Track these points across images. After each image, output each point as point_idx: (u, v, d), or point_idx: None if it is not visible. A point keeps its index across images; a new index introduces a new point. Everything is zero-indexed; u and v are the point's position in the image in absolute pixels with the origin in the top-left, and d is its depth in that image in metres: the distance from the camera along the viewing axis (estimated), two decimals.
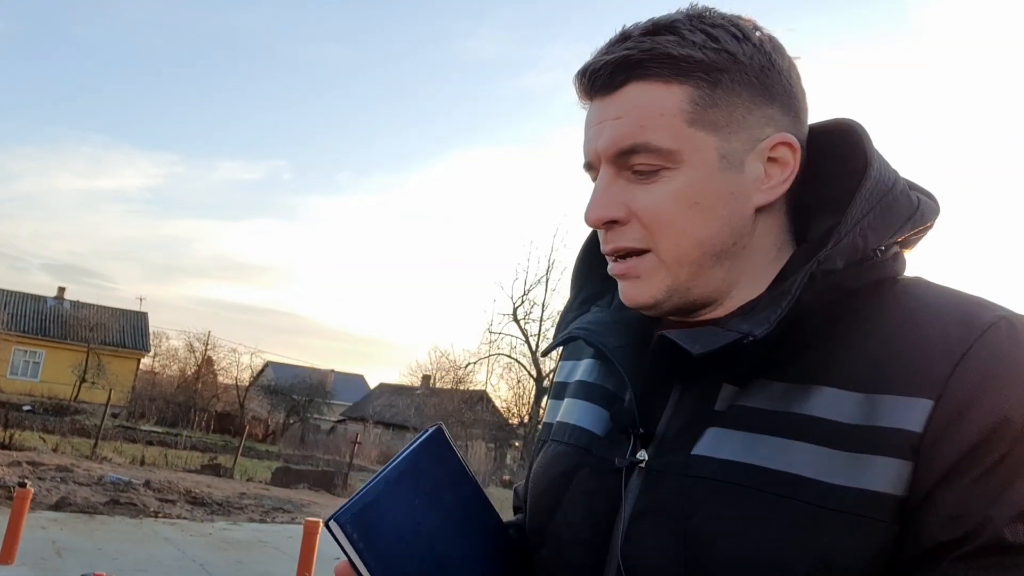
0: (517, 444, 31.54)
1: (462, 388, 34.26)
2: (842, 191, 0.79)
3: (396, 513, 0.78)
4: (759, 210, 0.79)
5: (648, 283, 0.79)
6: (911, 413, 0.66)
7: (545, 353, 0.99)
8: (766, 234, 0.81)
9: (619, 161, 0.78)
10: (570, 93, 0.84)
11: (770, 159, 0.78)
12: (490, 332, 29.44)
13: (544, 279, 30.60)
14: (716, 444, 0.74)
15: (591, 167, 0.82)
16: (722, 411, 0.76)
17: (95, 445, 17.20)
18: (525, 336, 29.88)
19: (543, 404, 30.64)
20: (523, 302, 29.82)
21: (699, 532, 0.71)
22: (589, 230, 0.97)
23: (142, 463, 17.20)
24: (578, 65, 0.82)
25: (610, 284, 0.96)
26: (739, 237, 0.78)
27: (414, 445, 0.83)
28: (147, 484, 13.35)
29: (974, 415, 0.65)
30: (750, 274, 0.80)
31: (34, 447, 16.33)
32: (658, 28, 0.77)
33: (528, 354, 30.03)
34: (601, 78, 0.78)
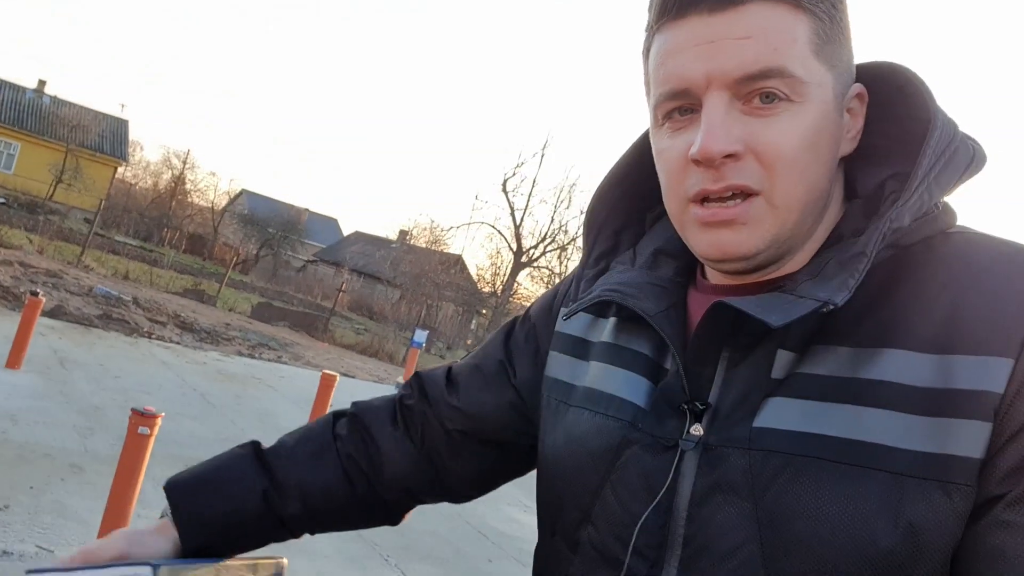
0: (485, 312, 32.04)
1: (438, 249, 34.41)
2: (884, 140, 0.77)
3: None
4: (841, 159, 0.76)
5: (754, 231, 0.72)
6: (991, 373, 0.64)
7: (570, 315, 0.89)
8: (834, 185, 0.77)
9: (741, 87, 0.70)
10: None
11: (848, 109, 0.75)
12: (477, 199, 29.36)
13: (540, 155, 30.42)
14: (780, 415, 0.70)
15: (684, 95, 0.72)
16: (781, 379, 0.71)
17: (82, 253, 17.07)
18: (511, 209, 29.90)
19: (518, 279, 31.02)
20: (514, 174, 29.68)
21: (774, 510, 0.67)
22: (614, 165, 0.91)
23: (126, 277, 17.20)
24: None
25: (624, 238, 0.93)
26: (830, 186, 0.75)
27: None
28: (135, 301, 13.41)
29: None
30: (818, 228, 0.76)
31: (20, 246, 16.19)
32: None
33: (511, 227, 30.13)
34: None
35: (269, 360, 12.42)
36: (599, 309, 0.90)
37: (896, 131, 0.77)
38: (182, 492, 0.97)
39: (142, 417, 3.67)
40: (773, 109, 0.70)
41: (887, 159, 0.77)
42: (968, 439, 0.64)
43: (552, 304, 0.99)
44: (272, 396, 9.47)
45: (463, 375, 1.05)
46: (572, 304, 0.91)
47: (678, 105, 0.73)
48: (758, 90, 0.70)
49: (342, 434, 1.04)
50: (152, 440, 3.74)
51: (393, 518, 1.07)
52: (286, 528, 1.00)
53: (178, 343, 11.52)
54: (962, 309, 0.67)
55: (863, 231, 0.73)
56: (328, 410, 7.32)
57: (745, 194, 0.71)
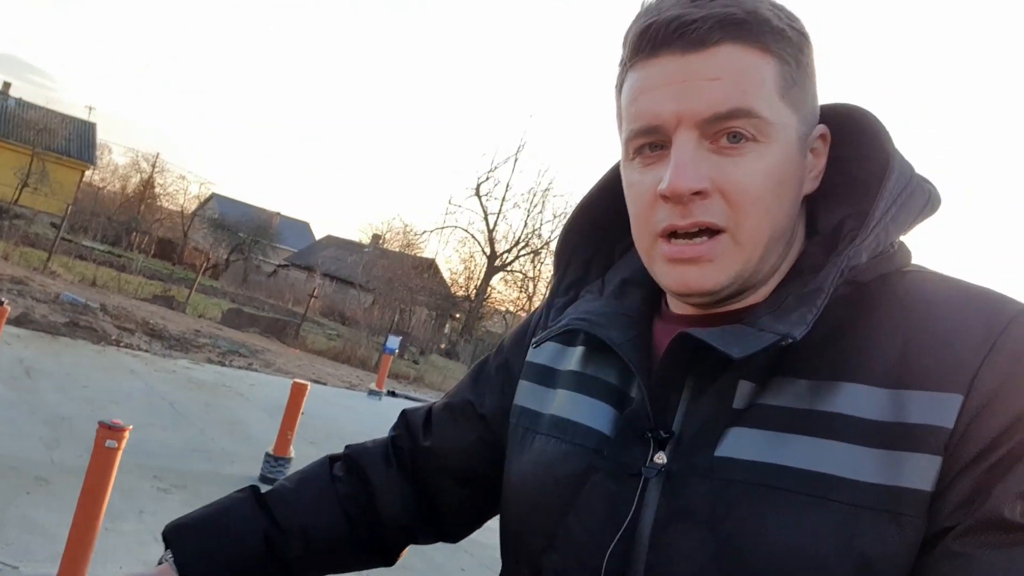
0: (458, 316, 31.98)
1: (411, 253, 34.30)
2: (845, 179, 0.80)
3: None
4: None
5: (719, 268, 0.74)
6: (942, 409, 0.66)
7: (540, 343, 0.91)
8: (797, 223, 0.80)
9: (709, 127, 0.72)
10: None
11: (811, 149, 0.78)
12: (450, 203, 29.30)
13: (513, 159, 30.42)
14: (740, 445, 0.72)
15: (654, 131, 0.74)
16: (742, 410, 0.73)
17: (48, 259, 16.80)
18: (484, 213, 29.93)
19: (491, 283, 31.02)
20: (488, 179, 29.73)
21: (733, 537, 0.69)
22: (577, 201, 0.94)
23: (93, 284, 16.96)
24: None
25: (594, 268, 0.94)
26: (794, 223, 0.77)
27: None
28: (103, 308, 13.23)
29: (998, 409, 0.65)
30: (781, 264, 0.79)
31: None
32: None
33: (485, 231, 30.15)
34: (697, 31, 0.71)
35: (239, 367, 12.30)
36: (567, 337, 0.91)
37: (856, 171, 0.80)
38: (182, 536, 0.97)
39: (109, 430, 3.63)
40: (740, 149, 0.72)
41: (847, 198, 0.79)
42: (919, 472, 0.66)
43: (525, 334, 1.02)
44: (243, 404, 9.38)
45: (437, 414, 1.07)
46: (542, 332, 0.93)
47: (649, 141, 0.75)
48: (726, 130, 0.72)
49: (339, 476, 1.06)
50: (120, 453, 3.69)
51: (390, 558, 1.08)
52: (288, 571, 1.00)
53: (147, 351, 11.37)
54: (915, 346, 0.70)
55: (822, 267, 0.75)
56: (299, 418, 7.33)
57: (711, 231, 0.73)
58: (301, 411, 7.33)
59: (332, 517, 1.02)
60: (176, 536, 0.97)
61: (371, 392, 13.01)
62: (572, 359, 0.91)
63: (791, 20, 0.75)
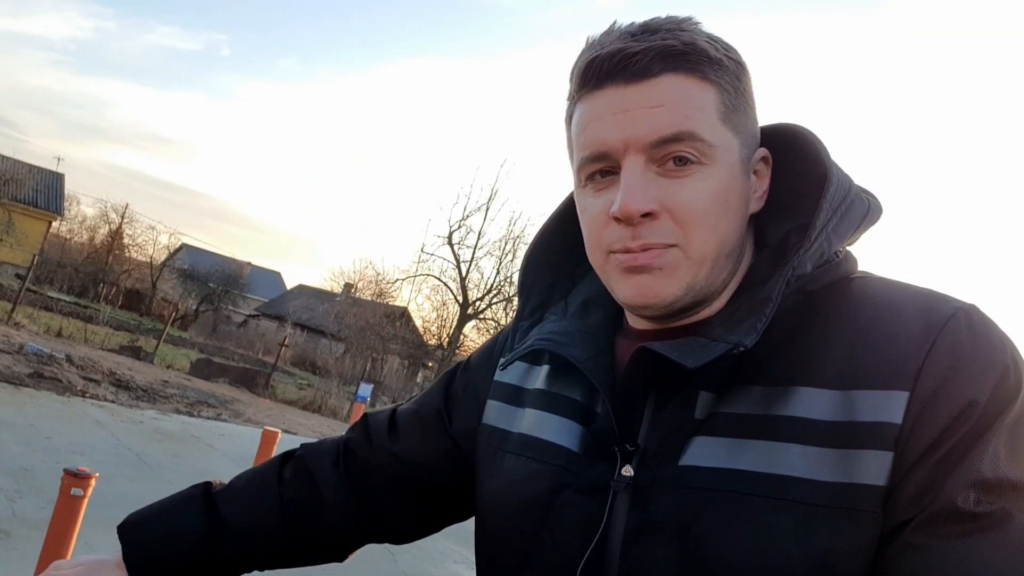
0: (431, 364, 31.79)
1: (383, 302, 34.16)
2: (790, 194, 0.84)
3: None
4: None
5: (671, 277, 0.77)
6: (890, 405, 0.69)
7: (507, 364, 0.93)
8: (746, 239, 0.83)
9: (655, 151, 0.76)
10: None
11: (754, 170, 0.82)
12: (423, 252, 29.27)
13: (485, 207, 30.63)
14: (703, 453, 0.74)
15: (603, 158, 0.78)
16: (703, 419, 0.75)
17: (12, 310, 16.52)
18: (457, 261, 29.94)
19: (464, 331, 30.92)
20: (460, 227, 29.80)
21: (698, 544, 0.71)
22: (544, 221, 0.98)
23: (59, 334, 16.68)
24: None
25: (556, 291, 0.98)
26: (741, 240, 0.81)
27: None
28: (68, 359, 12.99)
29: (944, 401, 0.68)
30: (732, 278, 0.82)
31: None
32: (685, 26, 0.78)
33: (457, 279, 30.11)
34: (638, 63, 0.75)
35: (208, 418, 12.09)
36: (534, 357, 0.94)
37: (800, 186, 0.83)
38: (131, 532, 1.03)
39: (75, 478, 3.56)
40: (686, 171, 0.76)
41: (791, 212, 0.83)
42: (872, 468, 0.68)
43: (492, 354, 1.04)
44: (211, 455, 9.21)
45: (404, 420, 1.08)
46: (509, 354, 0.95)
47: (599, 168, 0.79)
48: (671, 153, 0.76)
49: (286, 478, 1.07)
50: (85, 502, 3.61)
51: (337, 556, 1.09)
52: (227, 571, 1.03)
53: (113, 401, 11.15)
54: (862, 347, 0.73)
55: (770, 278, 0.78)
56: None
57: (665, 247, 0.77)
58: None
59: (272, 520, 1.04)
60: (127, 531, 1.03)
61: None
62: (538, 378, 0.93)
63: (727, 50, 0.79)
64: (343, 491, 1.06)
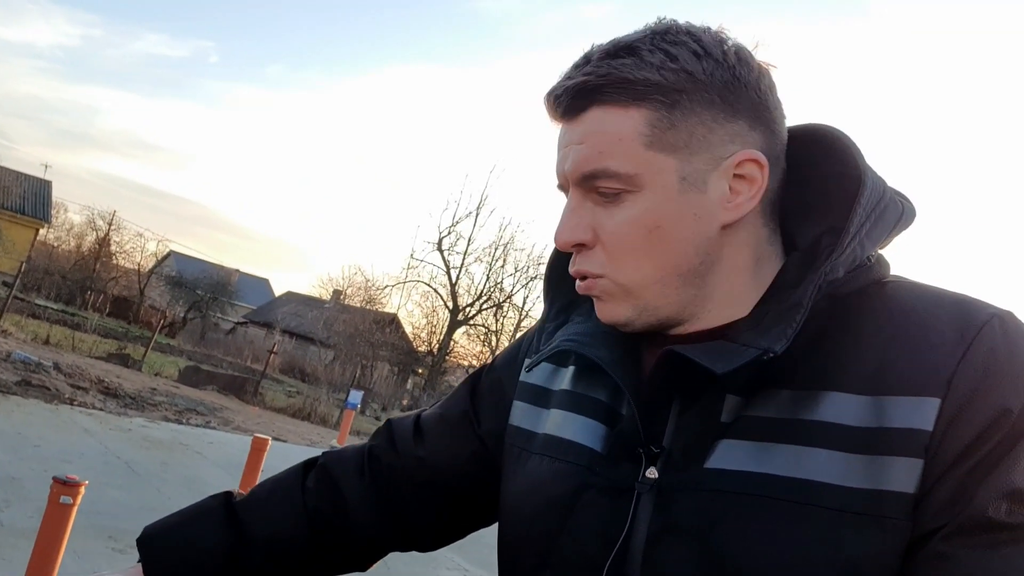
0: (421, 371, 31.72)
1: (372, 308, 34.08)
2: (821, 196, 0.82)
3: None
4: (727, 227, 0.78)
5: (614, 304, 0.80)
6: (921, 412, 0.68)
7: (532, 366, 0.94)
8: (741, 247, 0.80)
9: (585, 185, 0.78)
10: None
11: (736, 176, 0.77)
12: (412, 258, 29.30)
13: (475, 213, 30.61)
14: (729, 456, 0.73)
15: (562, 187, 0.83)
16: (729, 423, 0.75)
17: None
18: (447, 267, 29.96)
19: (454, 337, 30.92)
20: (450, 233, 29.82)
21: (721, 548, 0.71)
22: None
23: (46, 342, 16.58)
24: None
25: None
26: (706, 256, 0.78)
27: None
28: (56, 367, 12.91)
29: (977, 408, 0.67)
30: (727, 287, 0.80)
31: None
32: (617, 50, 0.77)
33: (447, 285, 30.13)
34: (563, 103, 0.79)
35: (197, 425, 12.03)
36: (559, 358, 0.94)
37: (831, 188, 0.82)
38: (152, 544, 1.01)
39: (64, 486, 3.54)
40: (616, 200, 0.78)
41: (823, 215, 0.81)
42: (901, 475, 0.68)
43: (517, 356, 1.04)
44: (200, 463, 9.17)
45: (429, 425, 1.08)
46: (534, 355, 0.96)
47: (565, 194, 0.83)
48: (595, 188, 0.78)
49: (310, 487, 1.07)
50: (75, 510, 3.60)
51: (361, 565, 1.09)
52: None
53: (101, 409, 11.09)
54: (893, 353, 0.72)
55: (800, 283, 0.77)
56: (259, 476, 7.18)
57: (596, 276, 0.80)
58: (262, 468, 7.19)
59: (297, 530, 1.03)
60: (147, 544, 1.01)
61: (332, 449, 12.76)
62: (564, 379, 0.93)
63: (667, 61, 0.75)
64: (369, 499, 1.05)
